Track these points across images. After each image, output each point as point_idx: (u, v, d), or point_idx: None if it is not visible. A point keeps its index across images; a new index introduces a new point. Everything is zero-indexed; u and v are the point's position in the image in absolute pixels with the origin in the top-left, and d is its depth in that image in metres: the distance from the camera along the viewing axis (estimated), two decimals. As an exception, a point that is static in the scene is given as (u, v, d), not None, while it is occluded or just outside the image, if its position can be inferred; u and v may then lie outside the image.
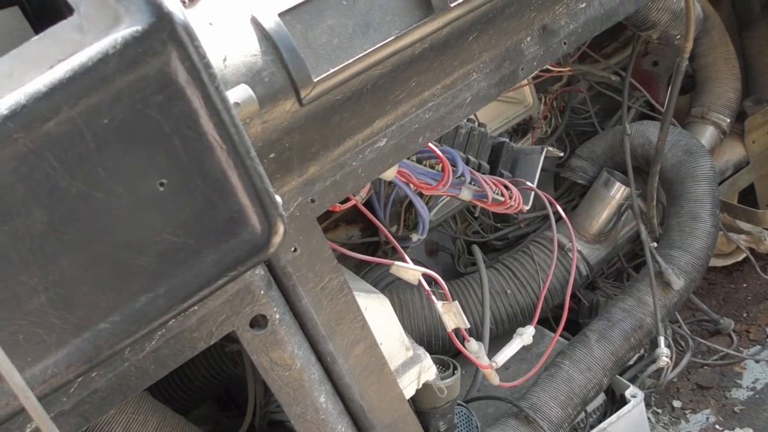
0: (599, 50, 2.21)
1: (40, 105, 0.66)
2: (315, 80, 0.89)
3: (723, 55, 2.11)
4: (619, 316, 1.76)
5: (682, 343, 2.04)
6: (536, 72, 1.21)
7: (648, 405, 2.02)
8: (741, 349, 2.14)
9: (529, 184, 1.66)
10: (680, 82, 1.56)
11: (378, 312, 1.24)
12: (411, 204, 1.65)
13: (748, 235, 2.20)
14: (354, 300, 1.11)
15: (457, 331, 1.33)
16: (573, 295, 1.91)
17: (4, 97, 0.66)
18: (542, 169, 1.76)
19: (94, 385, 0.89)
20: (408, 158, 1.37)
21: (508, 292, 1.85)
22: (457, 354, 1.45)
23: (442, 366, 1.46)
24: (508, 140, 1.74)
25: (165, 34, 0.67)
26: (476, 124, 1.66)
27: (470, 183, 1.51)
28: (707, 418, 2.00)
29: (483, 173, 1.60)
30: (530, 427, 1.59)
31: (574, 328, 1.92)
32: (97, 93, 0.67)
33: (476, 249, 1.94)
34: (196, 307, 0.90)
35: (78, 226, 0.71)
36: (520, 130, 2.14)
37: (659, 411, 2.05)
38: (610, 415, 1.71)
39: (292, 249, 1.01)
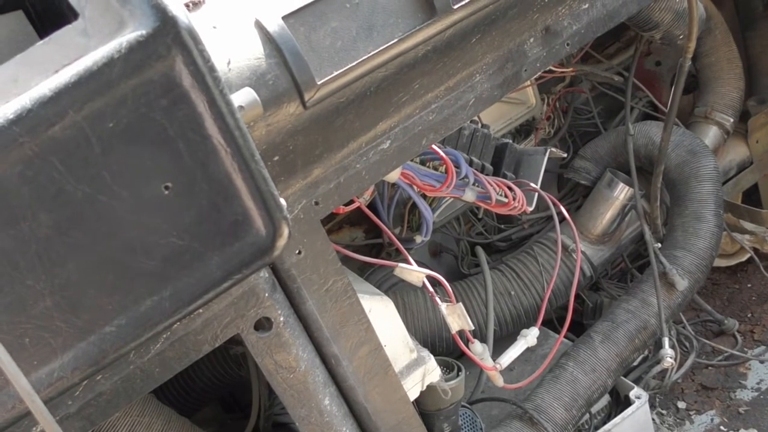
0: (602, 50, 2.21)
1: (46, 109, 0.66)
2: (319, 83, 0.89)
3: (726, 55, 2.11)
4: (624, 317, 1.76)
5: (687, 344, 2.03)
6: (539, 73, 1.21)
7: (652, 406, 2.01)
8: (745, 349, 2.13)
9: (532, 185, 1.66)
10: (683, 83, 1.56)
11: (382, 314, 1.24)
12: (414, 205, 1.65)
13: (752, 235, 2.20)
14: (358, 302, 1.11)
15: (461, 332, 1.33)
16: (577, 296, 1.91)
17: (9, 101, 0.66)
18: (545, 170, 1.76)
19: (100, 388, 0.89)
20: (411, 160, 1.37)
21: (512, 293, 1.85)
22: (461, 355, 1.45)
23: (447, 368, 1.46)
24: (511, 141, 1.74)
25: (169, 38, 0.67)
26: (479, 125, 1.66)
27: (474, 184, 1.51)
28: (712, 419, 2.00)
29: (486, 174, 1.60)
30: (534, 429, 1.59)
31: (577, 329, 1.91)
32: (102, 97, 0.67)
33: (480, 250, 1.93)
34: (200, 310, 0.90)
35: (83, 230, 0.71)
36: (523, 131, 2.14)
37: (664, 412, 2.05)
38: (615, 416, 1.71)
39: (297, 251, 1.01)
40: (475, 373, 1.73)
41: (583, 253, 1.93)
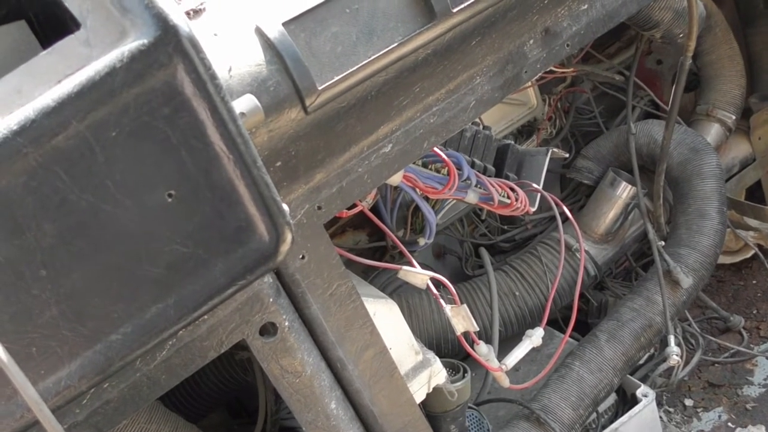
0: (602, 50, 2.21)
1: (49, 120, 0.66)
2: (320, 88, 0.89)
3: (727, 53, 2.11)
4: (629, 316, 1.76)
5: (693, 341, 2.03)
6: (540, 74, 1.21)
7: (659, 404, 2.01)
8: (752, 346, 2.13)
9: (535, 185, 1.66)
10: (684, 81, 1.56)
11: (387, 317, 1.25)
12: (417, 208, 1.66)
13: (756, 231, 2.20)
14: (363, 306, 1.11)
15: (466, 334, 1.33)
16: (581, 296, 1.91)
17: (13, 112, 0.66)
18: (548, 170, 1.76)
19: (107, 395, 0.89)
20: (413, 163, 1.37)
21: (517, 293, 1.85)
22: (467, 357, 1.45)
23: (452, 369, 1.46)
24: (513, 142, 1.74)
25: (171, 47, 0.68)
26: (481, 127, 1.66)
27: (476, 186, 1.52)
28: (719, 416, 2.00)
29: (488, 176, 1.60)
30: (542, 429, 1.59)
31: (583, 329, 1.91)
32: (105, 106, 0.68)
33: (484, 251, 1.94)
34: (205, 317, 0.91)
35: (88, 239, 0.71)
36: (525, 131, 2.14)
37: (671, 410, 2.04)
38: (622, 415, 1.71)
39: (300, 256, 1.02)
40: (480, 374, 1.73)
41: (587, 252, 1.93)
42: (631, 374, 1.79)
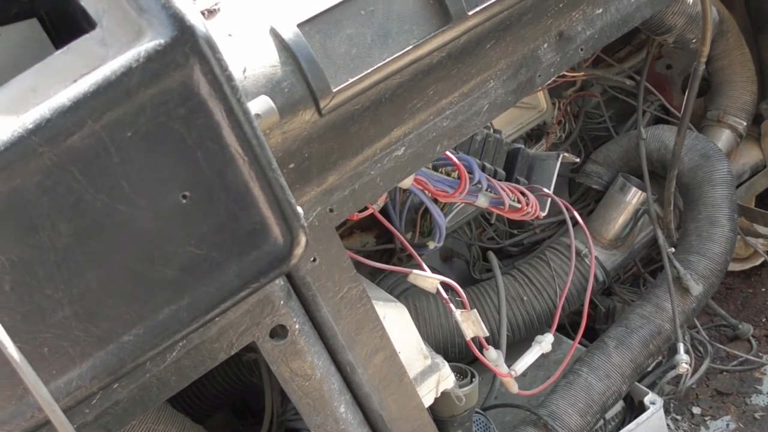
0: (613, 54, 2.20)
1: (65, 119, 0.66)
2: (334, 90, 0.89)
3: (738, 58, 2.10)
4: (638, 323, 1.75)
5: (701, 349, 2.02)
6: (553, 78, 1.21)
7: (667, 412, 2.00)
8: (760, 354, 2.11)
9: (545, 190, 1.65)
10: (697, 87, 1.55)
11: (396, 320, 1.24)
12: (426, 211, 1.65)
13: (765, 239, 2.18)
14: (373, 309, 1.10)
15: (475, 339, 1.33)
16: (589, 301, 1.90)
17: (28, 111, 0.66)
18: (557, 175, 1.75)
19: (116, 396, 0.89)
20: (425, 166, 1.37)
21: (525, 298, 1.84)
22: (473, 361, 1.44)
23: (460, 374, 1.45)
24: (523, 146, 1.73)
25: (187, 48, 0.67)
26: (491, 130, 1.65)
27: (487, 190, 1.51)
28: (727, 425, 1.98)
29: (499, 180, 1.59)
30: (549, 435, 1.58)
31: (590, 334, 1.90)
32: (121, 106, 0.67)
33: (492, 255, 1.93)
34: (216, 318, 0.90)
35: (102, 239, 0.71)
36: (534, 135, 2.14)
37: (678, 418, 2.03)
38: (629, 422, 1.70)
39: (312, 259, 1.01)
40: (487, 378, 1.72)
41: (595, 258, 1.92)
42: (639, 381, 1.78)
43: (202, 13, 0.88)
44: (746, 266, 2.29)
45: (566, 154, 1.74)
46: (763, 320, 2.23)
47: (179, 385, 0.93)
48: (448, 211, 1.75)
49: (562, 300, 1.76)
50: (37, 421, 0.74)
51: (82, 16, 0.88)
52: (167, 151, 0.71)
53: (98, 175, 0.69)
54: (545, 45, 1.14)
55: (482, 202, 1.51)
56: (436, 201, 1.56)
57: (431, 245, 1.60)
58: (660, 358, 1.85)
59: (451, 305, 1.30)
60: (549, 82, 1.49)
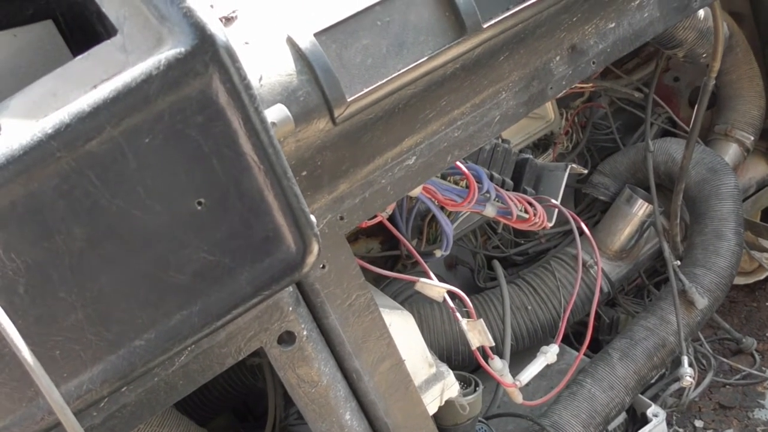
0: (621, 66, 2.21)
1: (84, 124, 0.66)
2: (349, 100, 0.89)
3: (747, 73, 2.10)
4: (642, 335, 1.75)
5: (704, 362, 2.02)
6: (564, 91, 1.21)
7: (669, 424, 2.00)
8: (764, 369, 2.11)
9: (552, 200, 1.66)
10: (707, 101, 1.55)
11: (402, 328, 1.24)
12: (432, 218, 1.65)
13: (771, 253, 2.19)
14: (380, 317, 1.10)
15: (480, 348, 1.33)
16: (593, 312, 1.90)
17: (48, 115, 0.66)
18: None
19: (124, 399, 0.89)
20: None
21: (529, 308, 1.84)
22: (476, 369, 1.44)
23: (464, 382, 1.45)
24: (531, 157, 1.73)
25: (208, 56, 0.68)
26: (500, 140, 1.66)
27: (495, 200, 1.51)
28: (729, 439, 1.98)
29: (507, 190, 1.60)
30: (551, 446, 1.58)
31: (593, 345, 1.90)
32: (140, 113, 0.68)
33: (497, 264, 1.93)
34: (226, 324, 0.90)
35: (116, 244, 0.71)
36: (541, 145, 2.14)
37: (681, 430, 2.03)
38: (632, 434, 1.70)
39: (321, 266, 1.01)
40: (490, 387, 1.72)
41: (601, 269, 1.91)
42: (642, 393, 1.78)
43: (220, 21, 0.89)
44: (751, 280, 2.29)
45: (574, 165, 1.75)
46: (767, 335, 2.23)
47: (187, 389, 0.93)
48: (454, 219, 1.75)
49: (568, 311, 1.76)
50: (47, 423, 0.74)
51: (98, 19, 0.88)
52: (184, 157, 0.71)
53: (115, 181, 0.69)
54: (557, 58, 1.15)
55: (490, 211, 1.51)
56: (443, 209, 1.57)
57: (438, 253, 1.60)
58: (663, 370, 1.85)
59: (457, 314, 1.30)
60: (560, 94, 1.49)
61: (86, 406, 0.76)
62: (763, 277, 2.26)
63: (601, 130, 2.26)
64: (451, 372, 1.33)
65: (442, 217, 1.48)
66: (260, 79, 0.85)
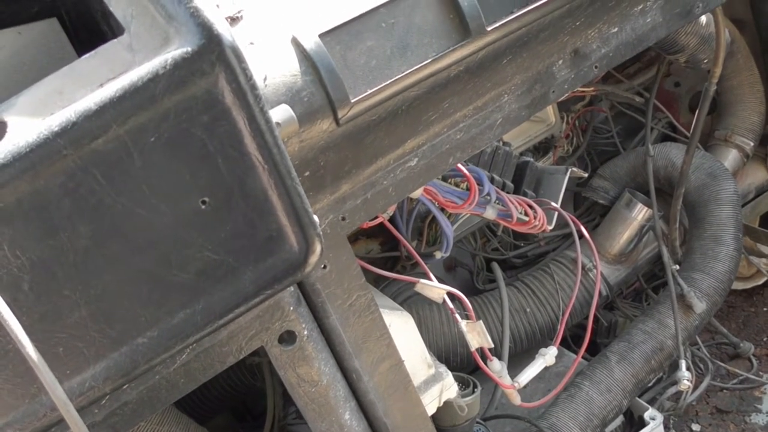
0: (622, 70, 2.21)
1: (90, 122, 0.67)
2: (352, 101, 0.89)
3: (748, 79, 2.11)
4: (640, 338, 1.75)
5: (702, 366, 2.03)
6: (566, 95, 1.22)
7: (666, 428, 2.00)
8: (761, 373, 2.12)
9: (552, 203, 1.66)
10: (708, 107, 1.56)
11: (402, 329, 1.25)
12: (432, 219, 1.65)
13: (769, 258, 2.19)
14: (381, 318, 1.11)
15: (479, 349, 1.33)
16: (590, 315, 1.90)
17: (55, 113, 0.67)
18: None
19: (125, 397, 0.89)
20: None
21: (528, 310, 1.85)
22: (474, 370, 1.44)
23: (462, 383, 1.45)
24: (532, 160, 1.74)
25: (214, 56, 0.68)
26: (501, 143, 1.66)
27: (495, 202, 1.52)
28: (726, 443, 1.99)
29: (507, 192, 1.60)
30: (549, 448, 1.59)
31: (591, 348, 1.91)
32: (146, 112, 0.68)
33: (496, 266, 1.93)
34: (228, 323, 0.91)
35: (120, 242, 0.72)
36: (542, 148, 2.14)
37: (677, 434, 2.04)
38: (629, 437, 1.71)
39: (322, 266, 1.02)
40: (488, 389, 1.73)
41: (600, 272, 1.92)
42: (640, 396, 1.79)
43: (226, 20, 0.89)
44: (749, 285, 2.30)
45: (575, 169, 1.75)
46: (765, 339, 2.23)
47: (187, 387, 0.94)
48: (454, 221, 1.75)
49: (567, 313, 1.76)
50: (49, 420, 0.74)
51: (103, 18, 0.89)
52: (189, 157, 0.71)
53: (120, 179, 0.70)
54: (560, 62, 1.15)
55: (490, 214, 1.52)
56: (443, 211, 1.57)
57: (438, 255, 1.60)
58: (661, 374, 1.85)
59: (457, 315, 1.31)
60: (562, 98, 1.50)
61: (89, 403, 0.77)
62: (761, 282, 2.27)
63: (602, 134, 2.26)
64: (449, 373, 1.34)
65: (442, 219, 1.49)
66: (265, 79, 0.86)
